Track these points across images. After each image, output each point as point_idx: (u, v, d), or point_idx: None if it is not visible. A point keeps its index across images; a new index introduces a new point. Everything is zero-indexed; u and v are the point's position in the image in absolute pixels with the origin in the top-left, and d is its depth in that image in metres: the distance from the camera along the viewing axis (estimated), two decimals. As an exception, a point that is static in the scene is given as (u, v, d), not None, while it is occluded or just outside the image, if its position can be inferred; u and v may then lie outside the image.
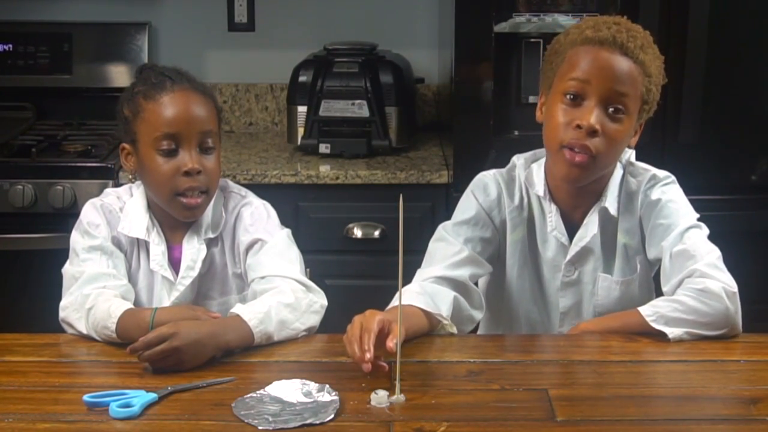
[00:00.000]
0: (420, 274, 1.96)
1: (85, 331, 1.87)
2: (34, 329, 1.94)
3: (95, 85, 3.47)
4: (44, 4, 3.48)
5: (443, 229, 2.02)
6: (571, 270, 2.00)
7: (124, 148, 2.03)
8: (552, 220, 1.99)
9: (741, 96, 2.94)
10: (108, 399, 1.59)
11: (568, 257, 1.99)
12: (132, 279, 2.04)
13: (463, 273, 1.96)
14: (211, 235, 2.04)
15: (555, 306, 2.03)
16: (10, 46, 3.44)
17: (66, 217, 2.91)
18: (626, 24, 1.92)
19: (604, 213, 1.96)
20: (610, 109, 1.86)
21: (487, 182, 2.04)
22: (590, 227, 1.97)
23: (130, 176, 2.06)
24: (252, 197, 2.10)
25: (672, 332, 1.83)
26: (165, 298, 2.02)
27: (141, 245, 2.05)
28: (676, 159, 2.90)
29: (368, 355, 1.64)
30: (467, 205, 2.04)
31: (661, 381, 1.75)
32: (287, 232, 2.06)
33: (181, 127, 1.96)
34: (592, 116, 1.85)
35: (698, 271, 1.85)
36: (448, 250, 1.98)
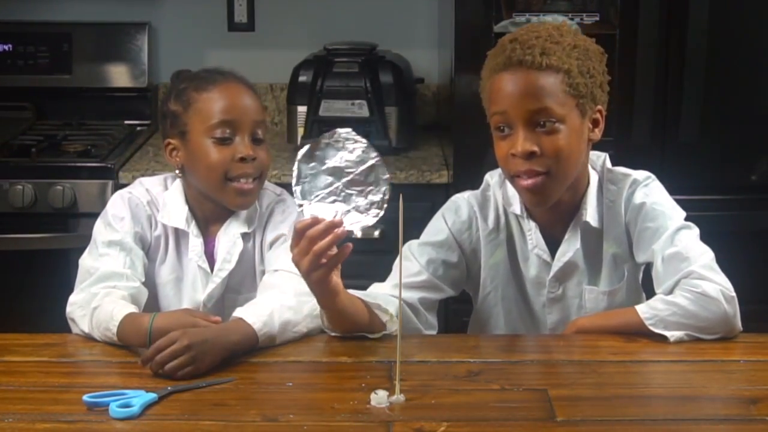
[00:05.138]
0: (371, 289, 1.94)
1: (87, 330, 1.87)
2: (34, 329, 1.95)
3: (95, 85, 3.47)
4: (44, 4, 3.48)
5: (408, 248, 1.99)
6: (556, 286, 1.98)
7: (169, 143, 2.06)
8: (532, 238, 1.97)
9: (741, 96, 2.95)
10: (108, 399, 1.58)
11: (552, 274, 1.97)
12: (156, 274, 2.06)
13: (413, 296, 1.94)
14: (246, 230, 2.06)
15: (543, 323, 2.01)
16: (10, 46, 3.44)
17: (66, 217, 2.92)
18: (524, 35, 1.87)
19: (586, 226, 1.95)
20: (539, 128, 1.83)
21: (459, 204, 2.02)
22: (572, 242, 1.95)
23: (177, 171, 2.08)
24: (286, 196, 2.13)
25: (673, 335, 1.82)
26: (200, 290, 2.04)
27: (169, 239, 2.06)
28: (676, 159, 2.91)
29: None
30: (436, 228, 2.01)
31: (661, 381, 1.75)
32: None
33: (237, 114, 2.00)
34: (520, 142, 1.83)
35: (695, 273, 1.83)
36: (406, 270, 1.93)
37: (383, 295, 1.88)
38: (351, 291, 1.86)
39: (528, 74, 1.83)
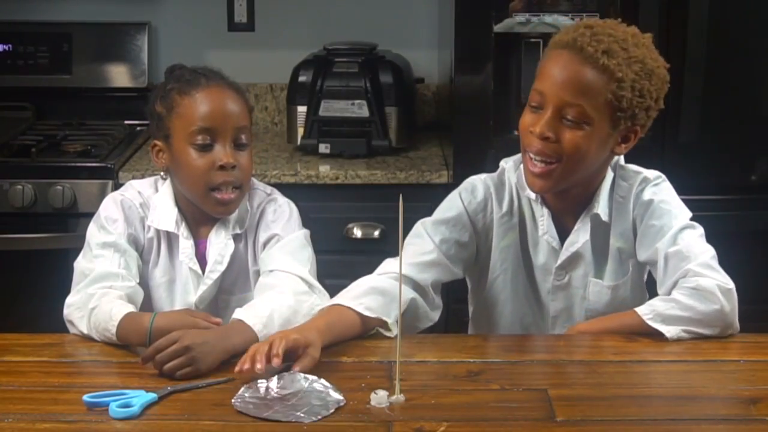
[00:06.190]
0: (385, 266, 1.95)
1: (86, 331, 1.87)
2: (34, 329, 1.94)
3: (95, 85, 3.47)
4: (44, 4, 3.48)
5: (422, 226, 2.00)
6: (562, 274, 1.99)
7: (155, 145, 2.05)
8: (543, 224, 1.98)
9: (741, 96, 2.94)
10: (108, 399, 1.59)
11: (559, 262, 1.98)
12: (149, 276, 2.05)
13: (426, 277, 1.94)
14: (237, 231, 2.06)
15: (547, 308, 2.02)
16: (10, 46, 3.44)
17: (66, 217, 2.92)
18: (601, 27, 1.86)
19: (596, 219, 1.95)
20: (566, 119, 1.83)
21: (476, 185, 2.03)
22: (581, 233, 1.96)
23: (162, 173, 2.08)
24: (277, 195, 2.12)
25: (669, 331, 1.83)
26: (192, 292, 2.04)
27: (161, 241, 2.06)
28: (676, 159, 2.90)
29: (276, 360, 1.64)
30: (451, 205, 2.02)
31: (661, 381, 1.75)
32: (305, 232, 2.07)
33: (217, 121, 1.98)
34: (541, 124, 1.84)
35: (692, 271, 1.84)
36: (419, 249, 1.96)
37: (389, 292, 1.87)
38: (355, 288, 1.87)
39: (581, 64, 1.82)
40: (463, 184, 2.05)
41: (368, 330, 1.87)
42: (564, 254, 1.97)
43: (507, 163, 2.03)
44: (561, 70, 1.84)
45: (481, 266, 2.05)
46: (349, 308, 1.84)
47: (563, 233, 1.98)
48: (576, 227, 1.96)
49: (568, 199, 1.96)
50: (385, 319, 1.85)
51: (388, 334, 1.86)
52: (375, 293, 1.87)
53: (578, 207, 1.97)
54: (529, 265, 2.02)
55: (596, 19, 1.92)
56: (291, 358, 1.69)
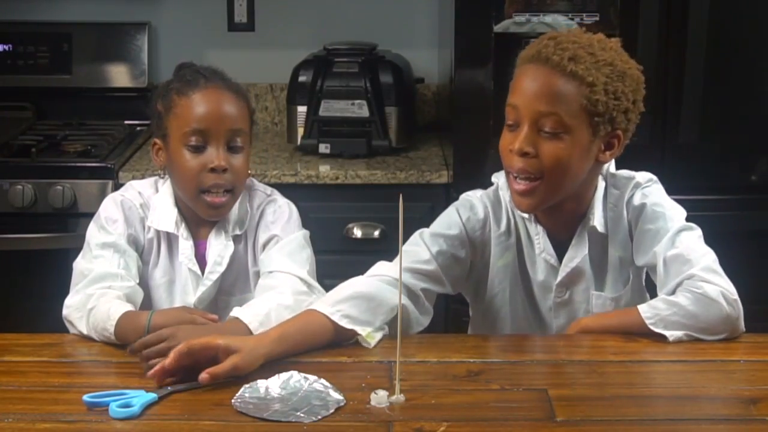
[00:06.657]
0: (379, 267, 1.92)
1: (85, 331, 1.87)
2: (34, 329, 1.94)
3: (95, 85, 3.47)
4: (44, 4, 3.49)
5: (420, 236, 1.97)
6: (563, 291, 1.97)
7: (155, 143, 2.05)
8: (540, 242, 1.96)
9: (741, 96, 2.95)
10: (108, 399, 1.58)
11: (559, 279, 1.96)
12: (149, 276, 2.05)
13: (417, 284, 1.92)
14: (237, 232, 2.06)
15: (549, 326, 2.01)
16: (10, 46, 3.45)
17: (66, 217, 2.92)
18: (565, 36, 1.85)
19: (592, 231, 1.94)
20: (544, 131, 1.82)
21: (474, 203, 2.00)
22: (580, 248, 1.94)
23: (160, 172, 2.08)
24: (277, 196, 2.12)
25: (672, 335, 1.82)
26: (191, 293, 2.04)
27: (161, 242, 2.06)
28: (676, 159, 2.91)
29: (168, 361, 1.63)
30: (449, 221, 1.99)
31: (661, 381, 1.75)
32: (305, 233, 2.08)
33: (211, 123, 1.98)
34: (519, 140, 1.82)
35: (697, 276, 1.83)
36: (415, 256, 1.93)
37: (385, 297, 1.86)
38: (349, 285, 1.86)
39: (550, 74, 1.81)
40: (461, 200, 2.03)
41: (345, 337, 1.82)
42: (563, 271, 1.95)
43: (499, 179, 2.00)
44: (531, 83, 1.83)
45: (477, 282, 2.04)
46: (324, 315, 1.81)
47: (561, 248, 1.96)
48: (573, 242, 1.94)
49: (562, 215, 1.93)
50: (359, 332, 1.82)
51: (365, 344, 1.82)
52: (358, 298, 1.84)
53: (571, 222, 1.95)
54: (528, 284, 2.00)
55: (560, 30, 1.90)
56: (217, 361, 1.66)
